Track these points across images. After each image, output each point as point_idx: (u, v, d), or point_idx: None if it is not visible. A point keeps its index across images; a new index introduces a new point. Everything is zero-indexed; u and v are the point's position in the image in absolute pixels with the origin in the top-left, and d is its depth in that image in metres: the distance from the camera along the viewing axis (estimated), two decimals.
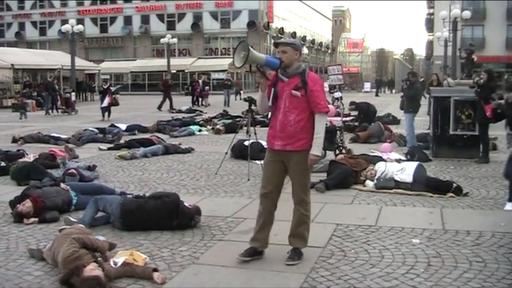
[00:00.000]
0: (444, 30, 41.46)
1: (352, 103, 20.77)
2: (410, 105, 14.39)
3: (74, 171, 10.03)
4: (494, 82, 12.81)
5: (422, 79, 31.32)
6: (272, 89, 5.77)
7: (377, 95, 56.17)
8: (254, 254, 5.88)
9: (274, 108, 5.79)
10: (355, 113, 20.95)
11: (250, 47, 5.53)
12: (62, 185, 8.40)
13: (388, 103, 34.80)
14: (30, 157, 11.96)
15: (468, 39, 49.07)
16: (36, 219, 7.48)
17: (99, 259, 5.41)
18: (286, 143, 5.70)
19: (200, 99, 36.64)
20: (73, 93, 32.01)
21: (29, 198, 7.68)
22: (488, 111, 12.20)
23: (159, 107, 31.55)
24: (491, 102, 12.14)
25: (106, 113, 24.54)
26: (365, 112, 19.82)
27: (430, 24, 74.10)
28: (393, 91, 69.77)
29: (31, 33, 77.34)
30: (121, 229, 7.07)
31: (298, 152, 5.69)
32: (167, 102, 31.71)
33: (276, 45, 5.91)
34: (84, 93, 44.58)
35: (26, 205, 7.53)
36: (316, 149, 5.71)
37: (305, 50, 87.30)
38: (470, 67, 22.52)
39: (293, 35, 77.58)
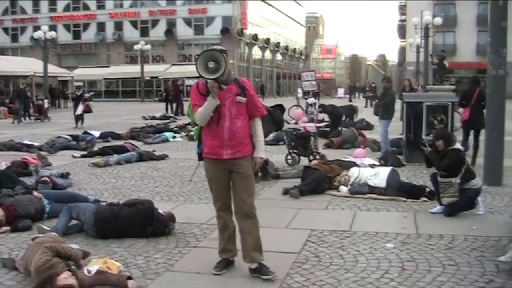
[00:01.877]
0: (416, 37, 41.93)
1: (320, 106, 20.90)
2: (386, 112, 14.46)
3: (47, 178, 9.93)
4: (458, 86, 13.18)
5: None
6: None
7: (350, 100, 56.44)
8: (227, 265, 5.84)
9: (216, 117, 5.53)
10: (323, 115, 21.18)
11: (224, 59, 5.33)
12: (35, 193, 8.30)
13: (362, 109, 35.01)
14: (2, 165, 11.81)
15: (440, 45, 49.70)
16: (8, 228, 7.39)
17: (73, 267, 5.36)
18: (236, 150, 5.58)
19: (172, 104, 36.23)
20: (46, 100, 31.71)
21: (1, 206, 7.57)
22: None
23: (176, 113, 32.91)
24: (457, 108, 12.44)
25: (80, 120, 24.36)
26: (330, 114, 19.90)
27: (402, 31, 74.94)
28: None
29: (2, 39, 76.40)
30: (95, 237, 7.01)
31: (246, 157, 5.65)
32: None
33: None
34: (57, 100, 44.20)
35: None
36: (262, 152, 5.79)
37: (278, 57, 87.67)
38: (442, 73, 22.70)
39: (267, 41, 77.89)
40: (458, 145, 8.53)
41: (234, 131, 5.55)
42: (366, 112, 29.30)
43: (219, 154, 5.59)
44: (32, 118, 29.52)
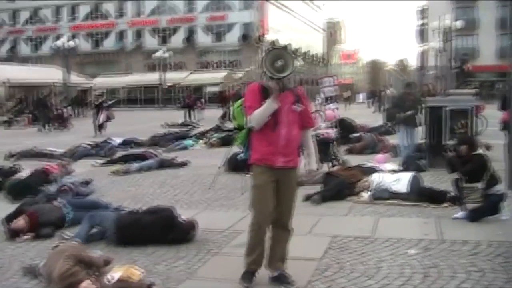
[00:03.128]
0: (438, 40, 41.68)
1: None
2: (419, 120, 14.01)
3: (68, 186, 9.98)
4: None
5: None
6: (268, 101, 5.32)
7: (370, 106, 56.13)
8: (254, 275, 5.61)
9: (272, 122, 5.33)
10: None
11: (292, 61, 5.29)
12: (55, 201, 8.34)
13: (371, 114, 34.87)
14: (24, 174, 11.89)
15: (461, 49, 49.52)
16: (31, 235, 7.43)
17: (95, 275, 5.37)
18: (289, 159, 5.42)
19: (192, 112, 36.25)
20: (69, 108, 31.98)
21: (24, 214, 7.63)
22: None
23: (223, 118, 32.30)
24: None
25: (101, 129, 24.51)
26: (340, 124, 19.63)
27: (422, 35, 74.57)
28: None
29: (24, 49, 77.39)
30: (116, 245, 7.02)
31: (295, 168, 5.53)
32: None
33: None
34: (78, 109, 44.53)
35: (20, 222, 7.49)
36: (315, 164, 5.72)
37: (300, 62, 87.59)
38: (464, 77, 22.60)
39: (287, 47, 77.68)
40: (480, 150, 8.42)
41: (290, 139, 5.39)
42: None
43: (271, 161, 5.40)
44: (52, 126, 29.68)
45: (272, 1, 75.43)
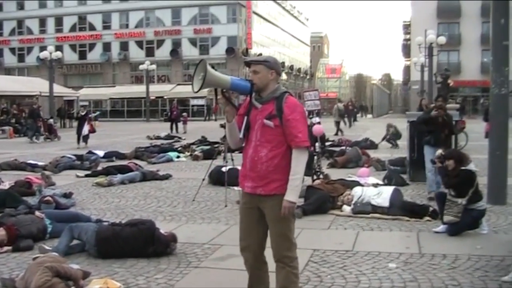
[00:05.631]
0: (420, 56, 42.04)
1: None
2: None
3: (50, 198, 9.93)
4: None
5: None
6: (245, 117, 4.72)
7: (355, 120, 56.40)
8: None
9: (246, 141, 4.76)
10: None
11: (208, 67, 4.50)
12: (37, 213, 8.30)
13: (367, 128, 35.03)
14: (5, 185, 11.85)
15: (444, 64, 49.92)
16: (10, 247, 7.38)
17: (72, 287, 5.35)
18: (256, 185, 4.66)
19: (177, 124, 36.14)
20: (51, 120, 31.83)
21: (3, 226, 7.58)
22: None
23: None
24: None
25: (84, 140, 24.39)
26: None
27: (406, 50, 75.22)
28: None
29: (9, 59, 76.92)
30: (96, 257, 7.00)
31: (272, 196, 4.63)
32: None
33: (248, 64, 4.86)
34: (63, 120, 44.36)
35: (0, 234, 7.44)
36: (292, 194, 4.57)
37: (283, 76, 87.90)
38: (446, 92, 22.69)
39: None
40: (471, 166, 8.42)
41: (255, 161, 4.64)
42: (370, 131, 29.22)
43: (242, 184, 4.83)
44: (41, 137, 29.53)
45: (258, 11, 75.72)
